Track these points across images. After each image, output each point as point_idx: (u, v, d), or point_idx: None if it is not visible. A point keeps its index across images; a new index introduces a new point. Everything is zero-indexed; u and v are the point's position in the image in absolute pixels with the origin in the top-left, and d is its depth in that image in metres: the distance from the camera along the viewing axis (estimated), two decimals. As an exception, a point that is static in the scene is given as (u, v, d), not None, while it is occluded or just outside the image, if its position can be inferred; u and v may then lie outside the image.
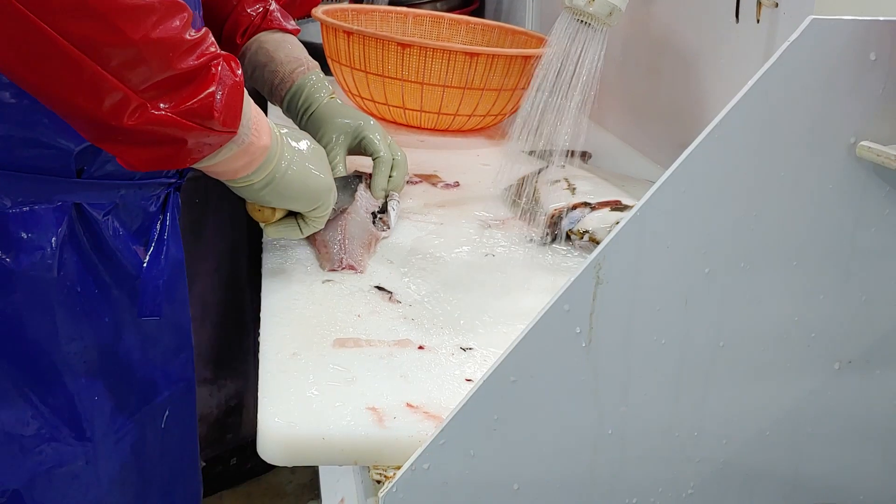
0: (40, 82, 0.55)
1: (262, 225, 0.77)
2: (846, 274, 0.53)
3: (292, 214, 0.77)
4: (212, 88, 0.59)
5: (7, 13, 0.50)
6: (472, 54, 1.13)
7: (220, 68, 0.60)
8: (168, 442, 0.79)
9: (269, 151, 0.68)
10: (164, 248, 0.73)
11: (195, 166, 0.65)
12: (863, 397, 0.56)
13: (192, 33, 0.58)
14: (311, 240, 0.83)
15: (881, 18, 0.48)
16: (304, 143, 0.75)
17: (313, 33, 1.75)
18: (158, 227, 0.73)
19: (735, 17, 0.98)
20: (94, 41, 0.53)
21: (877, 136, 0.49)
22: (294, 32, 0.95)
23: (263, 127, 0.68)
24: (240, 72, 0.62)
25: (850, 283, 0.53)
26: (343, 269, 0.78)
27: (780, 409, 0.56)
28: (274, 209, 0.74)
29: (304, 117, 0.92)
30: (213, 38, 0.60)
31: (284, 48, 0.93)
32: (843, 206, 0.51)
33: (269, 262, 0.78)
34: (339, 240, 0.81)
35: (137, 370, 0.74)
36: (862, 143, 0.49)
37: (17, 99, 0.61)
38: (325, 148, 0.91)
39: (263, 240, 0.83)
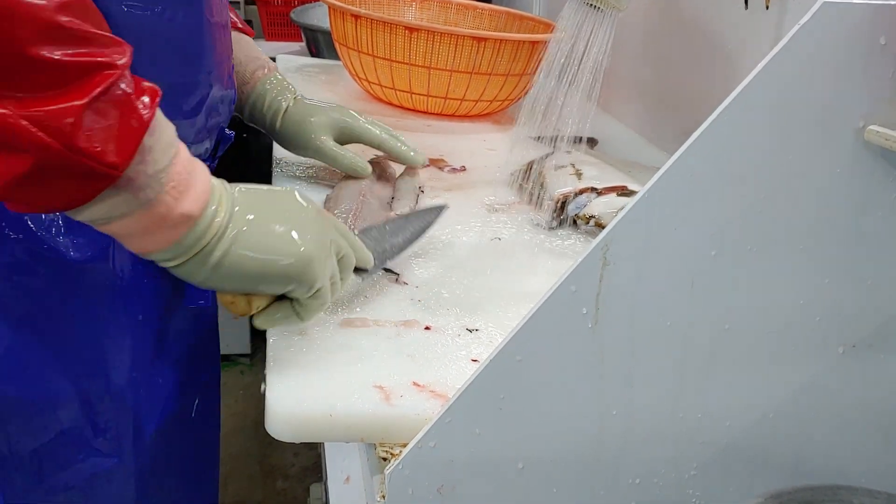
0: None
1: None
2: (852, 258, 0.53)
3: (282, 297, 0.60)
4: (85, 100, 0.45)
5: None
6: (479, 39, 1.13)
7: (113, 81, 0.47)
8: (196, 429, 0.79)
9: (197, 222, 0.54)
10: None
11: (79, 218, 0.51)
12: (866, 381, 0.57)
13: (77, 22, 0.45)
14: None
15: (892, 2, 0.48)
16: (279, 207, 0.58)
17: (321, 17, 1.75)
18: None
19: (744, 4, 0.98)
20: None
21: (886, 120, 0.49)
22: (249, 34, 0.92)
23: (192, 187, 0.53)
24: (149, 111, 0.49)
25: (856, 267, 0.53)
26: None
27: (783, 393, 0.56)
28: (248, 299, 0.59)
29: (276, 121, 0.91)
30: (127, 53, 0.48)
31: (243, 48, 0.89)
32: (850, 190, 0.51)
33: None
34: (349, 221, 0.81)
35: (178, 361, 0.74)
36: (870, 127, 0.49)
37: None
38: (320, 148, 0.89)
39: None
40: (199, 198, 0.53)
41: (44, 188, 0.47)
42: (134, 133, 0.48)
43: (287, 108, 0.90)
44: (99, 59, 0.46)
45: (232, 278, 0.56)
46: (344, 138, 0.92)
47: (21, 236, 0.61)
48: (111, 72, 0.47)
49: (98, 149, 0.46)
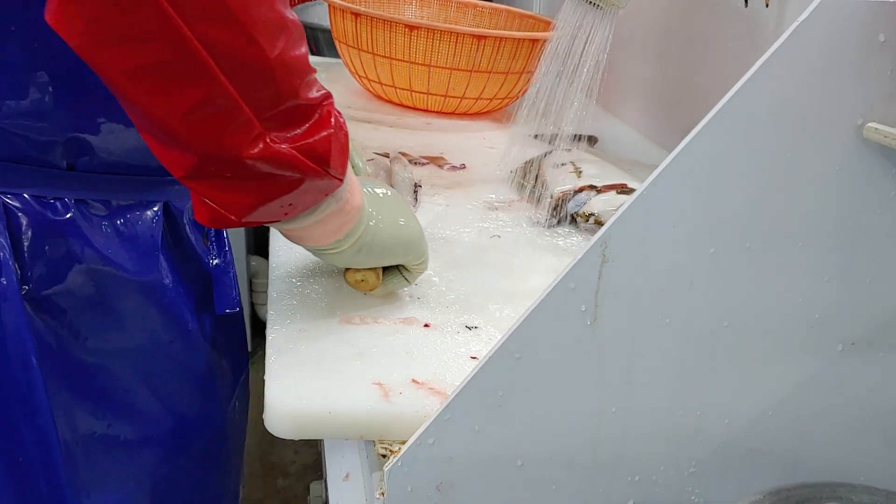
0: (156, 97, 0.47)
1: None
2: (851, 255, 0.53)
3: (392, 266, 0.69)
4: (331, 129, 0.53)
5: (148, 11, 0.43)
6: (479, 37, 1.13)
7: (333, 109, 0.55)
8: (232, 424, 0.80)
9: (360, 211, 0.62)
10: (226, 240, 0.73)
11: (285, 227, 0.59)
12: (865, 379, 0.57)
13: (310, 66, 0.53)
14: None
15: (891, 0, 0.48)
16: (386, 195, 0.66)
17: (321, 15, 1.75)
18: None
19: (744, 2, 0.98)
20: (229, 52, 0.46)
21: (884, 117, 0.49)
22: None
23: (355, 184, 0.62)
24: (345, 124, 0.57)
25: (854, 264, 0.53)
26: None
27: (782, 390, 0.56)
28: (376, 272, 0.67)
29: None
30: None
31: None
32: (849, 187, 0.51)
33: (276, 240, 0.79)
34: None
35: (217, 367, 0.74)
36: (869, 124, 0.49)
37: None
38: None
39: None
40: (358, 191, 0.62)
41: (292, 203, 0.55)
42: (347, 146, 0.56)
43: None
44: (323, 91, 0.54)
45: (373, 255, 0.65)
46: None
47: (88, 257, 0.63)
48: (330, 100, 0.55)
49: (338, 165, 0.55)
